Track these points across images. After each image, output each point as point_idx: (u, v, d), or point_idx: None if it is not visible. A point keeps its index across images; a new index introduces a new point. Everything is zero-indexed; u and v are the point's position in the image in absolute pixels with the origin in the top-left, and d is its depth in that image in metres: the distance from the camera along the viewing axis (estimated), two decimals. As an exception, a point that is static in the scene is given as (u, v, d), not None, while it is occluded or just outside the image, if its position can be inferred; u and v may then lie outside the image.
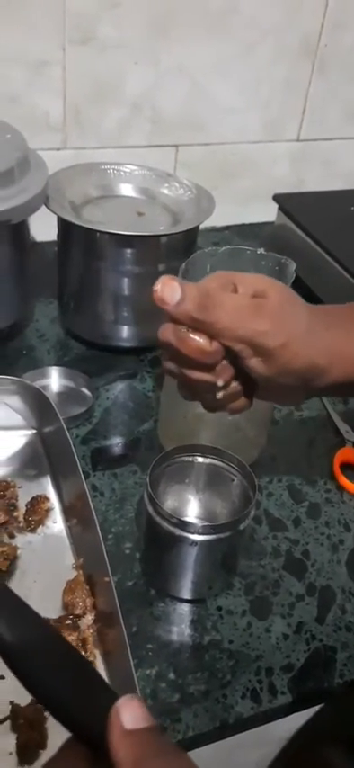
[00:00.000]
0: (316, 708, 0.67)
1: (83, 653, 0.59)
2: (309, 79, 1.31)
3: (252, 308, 0.53)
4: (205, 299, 0.53)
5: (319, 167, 1.41)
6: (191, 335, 0.53)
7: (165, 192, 1.02)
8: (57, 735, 0.53)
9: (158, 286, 0.53)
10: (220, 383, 0.56)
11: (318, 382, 0.56)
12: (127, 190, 1.02)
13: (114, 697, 0.35)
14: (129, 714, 0.34)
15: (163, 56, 1.17)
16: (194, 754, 0.59)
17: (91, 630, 0.61)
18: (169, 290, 0.53)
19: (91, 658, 0.59)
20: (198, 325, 0.53)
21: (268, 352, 0.53)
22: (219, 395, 0.57)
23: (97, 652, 0.60)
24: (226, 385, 0.56)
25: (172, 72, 1.19)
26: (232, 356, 0.55)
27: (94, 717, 0.35)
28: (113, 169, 1.03)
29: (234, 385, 0.57)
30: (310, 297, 1.14)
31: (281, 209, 1.23)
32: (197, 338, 0.53)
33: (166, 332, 0.54)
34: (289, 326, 0.54)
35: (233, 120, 1.28)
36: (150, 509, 0.65)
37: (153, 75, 1.18)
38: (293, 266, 0.73)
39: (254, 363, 0.54)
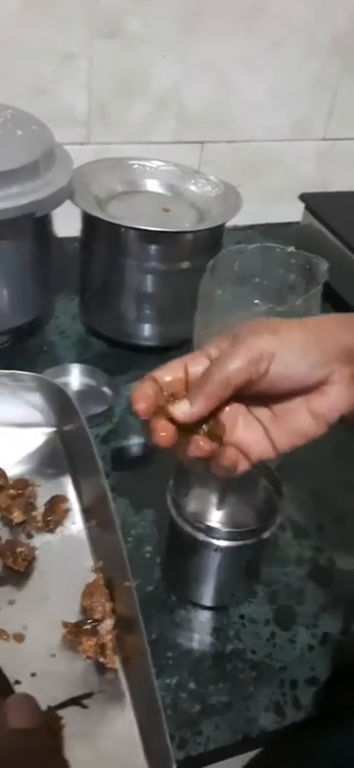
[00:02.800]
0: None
1: (101, 659, 0.58)
2: (338, 77, 1.29)
3: (245, 345, 0.49)
4: (213, 374, 0.50)
5: (346, 167, 1.38)
6: (202, 443, 0.50)
7: (192, 188, 1.00)
8: (73, 742, 0.52)
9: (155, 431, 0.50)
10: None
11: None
12: (152, 185, 1.00)
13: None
14: (16, 715, 0.38)
15: (190, 51, 1.15)
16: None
17: (110, 636, 0.59)
18: (183, 405, 0.50)
19: (110, 665, 0.57)
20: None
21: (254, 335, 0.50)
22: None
23: (116, 658, 0.58)
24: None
25: (199, 68, 1.17)
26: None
27: None
28: (139, 164, 1.01)
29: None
30: (338, 301, 1.12)
31: (308, 208, 1.21)
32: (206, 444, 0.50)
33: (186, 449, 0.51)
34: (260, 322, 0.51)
35: (259, 118, 1.26)
36: (174, 512, 0.63)
37: (180, 71, 1.16)
38: (325, 266, 0.71)
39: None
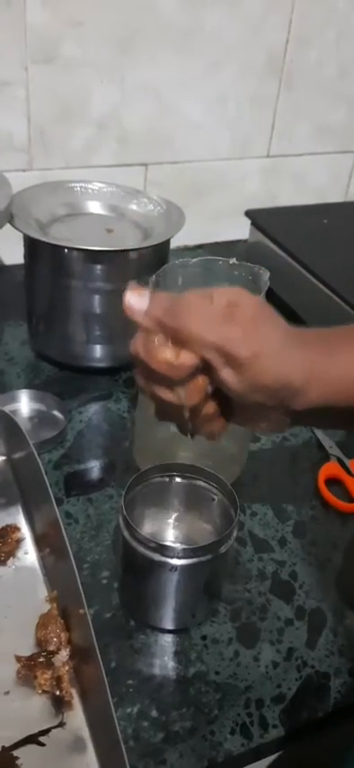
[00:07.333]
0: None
1: (58, 692, 0.55)
2: (277, 95, 1.30)
3: (223, 315, 0.50)
4: (174, 305, 0.50)
5: (290, 183, 1.39)
6: (158, 347, 0.50)
7: (134, 208, 0.99)
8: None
9: (126, 296, 0.51)
10: (187, 407, 0.52)
11: (295, 404, 0.52)
12: (94, 207, 0.99)
13: None
14: None
15: (128, 74, 1.15)
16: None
17: (66, 668, 0.56)
18: (137, 297, 0.51)
19: (67, 698, 0.55)
20: (166, 331, 0.50)
21: (238, 362, 0.49)
22: (188, 420, 0.53)
23: (73, 691, 0.56)
24: (196, 410, 0.53)
25: (137, 90, 1.17)
26: (204, 370, 0.51)
27: None
28: (80, 187, 1.00)
29: (208, 406, 0.53)
30: (287, 312, 1.12)
31: (254, 224, 1.21)
32: (163, 350, 0.50)
33: (136, 343, 0.51)
34: (261, 337, 0.50)
35: (201, 138, 1.27)
36: (126, 534, 0.61)
37: (118, 94, 1.16)
38: (267, 275, 0.71)
39: (226, 375, 0.50)
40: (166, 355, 0.49)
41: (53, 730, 0.54)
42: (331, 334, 0.55)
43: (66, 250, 0.85)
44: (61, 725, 0.54)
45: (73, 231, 0.92)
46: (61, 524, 0.63)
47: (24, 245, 0.91)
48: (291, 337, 0.52)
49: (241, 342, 0.49)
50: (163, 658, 0.62)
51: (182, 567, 0.59)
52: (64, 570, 0.61)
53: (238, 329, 0.49)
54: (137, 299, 0.51)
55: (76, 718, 0.55)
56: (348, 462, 0.84)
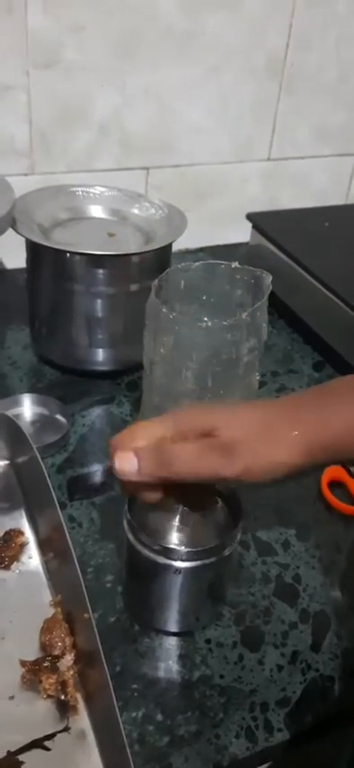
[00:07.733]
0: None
1: (63, 697, 0.55)
2: (277, 98, 1.30)
3: (203, 450, 0.54)
4: (160, 457, 0.54)
5: (291, 186, 1.40)
6: (145, 493, 0.56)
7: (136, 212, 0.99)
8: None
9: (115, 462, 0.55)
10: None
11: (308, 471, 0.54)
12: (96, 211, 0.99)
13: None
14: None
15: (129, 78, 1.15)
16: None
17: (71, 672, 0.56)
18: (126, 462, 0.55)
19: (72, 702, 0.55)
20: (161, 481, 0.55)
21: (231, 480, 0.53)
22: None
23: (78, 695, 0.56)
24: None
25: (138, 94, 1.17)
26: None
27: None
28: (82, 191, 1.00)
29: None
30: (288, 314, 1.12)
31: (255, 227, 1.21)
32: (150, 494, 0.56)
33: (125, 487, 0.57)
34: (244, 448, 0.53)
35: (203, 141, 1.27)
36: (130, 537, 0.61)
37: (120, 98, 1.16)
38: (269, 279, 0.71)
39: (228, 484, 0.56)
40: (154, 497, 0.56)
41: (58, 735, 0.54)
42: (322, 395, 0.57)
43: (68, 254, 0.85)
44: (66, 729, 0.54)
45: (75, 235, 0.92)
46: (65, 528, 0.63)
47: (26, 250, 0.91)
48: (279, 422, 0.55)
49: (224, 466, 0.53)
50: (168, 662, 0.62)
51: (186, 569, 0.59)
52: (68, 574, 0.61)
53: (217, 458, 0.53)
54: (126, 464, 0.55)
55: (81, 722, 0.55)
56: (351, 465, 0.84)
